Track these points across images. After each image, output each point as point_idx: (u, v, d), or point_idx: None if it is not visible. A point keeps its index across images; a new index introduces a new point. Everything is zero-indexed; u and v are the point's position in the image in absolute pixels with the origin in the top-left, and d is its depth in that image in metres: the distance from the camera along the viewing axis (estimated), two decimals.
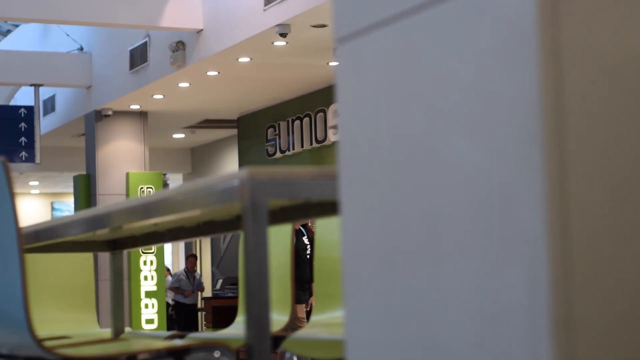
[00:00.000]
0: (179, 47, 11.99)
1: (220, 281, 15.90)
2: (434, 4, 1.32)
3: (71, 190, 16.59)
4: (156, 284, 14.42)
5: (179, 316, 16.60)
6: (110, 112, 14.60)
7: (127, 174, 14.71)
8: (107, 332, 3.73)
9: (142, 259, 14.40)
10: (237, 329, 3.56)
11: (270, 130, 14.44)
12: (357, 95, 1.46)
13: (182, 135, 17.59)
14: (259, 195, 2.04)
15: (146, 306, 14.36)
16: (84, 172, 15.08)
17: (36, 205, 23.94)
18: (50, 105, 16.03)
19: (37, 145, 14.44)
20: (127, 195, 14.63)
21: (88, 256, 4.09)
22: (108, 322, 3.73)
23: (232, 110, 15.19)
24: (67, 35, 14.81)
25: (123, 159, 14.86)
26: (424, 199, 1.34)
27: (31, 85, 14.54)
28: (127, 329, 3.75)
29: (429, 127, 1.33)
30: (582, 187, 1.18)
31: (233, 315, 3.96)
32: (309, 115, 13.61)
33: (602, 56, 1.20)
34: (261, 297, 2.04)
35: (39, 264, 3.96)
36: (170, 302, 16.50)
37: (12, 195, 2.48)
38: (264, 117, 14.72)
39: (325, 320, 3.47)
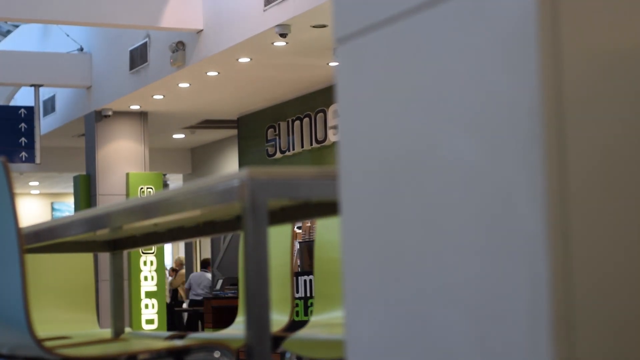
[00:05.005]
0: (179, 48, 12.00)
1: (220, 281, 15.90)
2: (433, 4, 1.32)
3: (71, 190, 16.60)
4: (156, 284, 14.42)
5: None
6: (110, 113, 14.60)
7: (127, 174, 14.71)
8: (107, 332, 3.73)
9: (142, 259, 14.40)
10: (237, 329, 3.56)
11: (270, 130, 14.44)
12: (357, 95, 1.46)
13: (182, 136, 17.60)
14: (259, 195, 2.04)
15: (146, 306, 14.35)
16: (84, 173, 15.08)
17: (36, 205, 23.95)
18: (50, 106, 16.03)
19: (37, 145, 14.44)
20: (127, 195, 14.63)
21: (88, 256, 4.09)
22: (108, 322, 3.73)
23: (232, 110, 15.19)
24: (67, 35, 14.81)
25: (123, 159, 14.86)
26: (424, 198, 1.34)
27: (31, 85, 14.54)
28: (127, 329, 3.75)
29: (429, 127, 1.33)
30: (582, 187, 1.18)
31: (233, 315, 3.96)
32: (309, 116, 13.61)
33: (602, 56, 1.20)
34: (261, 297, 2.04)
35: (39, 264, 3.96)
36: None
37: (12, 195, 2.48)
38: (264, 117, 14.72)
39: (325, 320, 3.47)
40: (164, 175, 17.73)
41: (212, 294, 16.02)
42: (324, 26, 10.38)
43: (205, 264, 17.13)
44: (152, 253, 14.41)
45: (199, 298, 15.79)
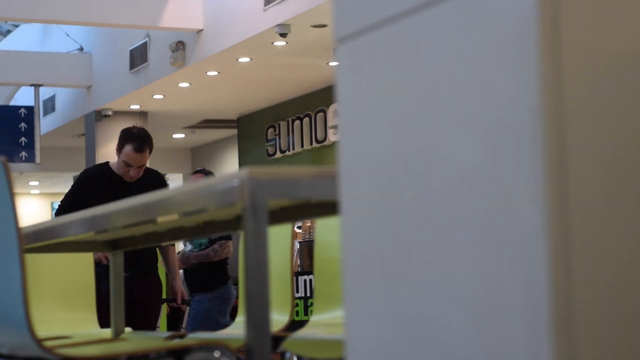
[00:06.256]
0: (179, 47, 12.00)
1: None
2: (434, 4, 1.32)
3: None
4: None
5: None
6: (110, 112, 14.60)
7: None
8: (107, 332, 3.73)
9: None
10: (237, 329, 3.56)
11: (270, 130, 14.44)
12: (357, 95, 1.46)
13: (182, 135, 17.59)
14: (259, 195, 2.04)
15: None
16: None
17: (36, 205, 23.94)
18: (50, 105, 16.03)
19: (37, 145, 14.44)
20: None
21: (88, 256, 4.09)
22: (108, 322, 3.73)
23: (232, 110, 15.19)
24: (67, 35, 14.81)
25: None
26: (424, 198, 1.34)
27: (31, 85, 14.53)
28: (127, 329, 3.75)
29: (429, 126, 1.33)
30: (582, 187, 1.18)
31: (233, 315, 3.96)
32: (309, 115, 13.61)
33: (602, 55, 1.20)
34: (261, 297, 2.03)
35: (39, 264, 3.96)
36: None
37: (12, 195, 2.48)
38: (264, 117, 14.72)
39: (325, 320, 3.47)
40: (164, 175, 17.70)
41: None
42: (324, 26, 10.38)
43: None
44: None
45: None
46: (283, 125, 14.17)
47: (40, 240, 3.10)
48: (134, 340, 3.37)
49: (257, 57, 11.62)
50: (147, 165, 6.17)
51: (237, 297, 7.02)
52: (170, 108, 14.73)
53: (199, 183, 2.24)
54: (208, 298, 7.56)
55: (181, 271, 7.37)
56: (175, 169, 19.42)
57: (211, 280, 7.66)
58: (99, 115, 14.70)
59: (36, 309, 3.20)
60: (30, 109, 14.56)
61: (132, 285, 5.25)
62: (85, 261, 4.08)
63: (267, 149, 14.52)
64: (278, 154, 14.28)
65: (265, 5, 10.39)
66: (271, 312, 2.06)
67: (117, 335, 3.60)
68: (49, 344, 2.57)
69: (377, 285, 1.42)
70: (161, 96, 13.83)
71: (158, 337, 3.41)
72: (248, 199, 2.03)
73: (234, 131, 16.06)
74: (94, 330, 3.92)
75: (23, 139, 14.47)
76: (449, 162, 1.29)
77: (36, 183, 22.48)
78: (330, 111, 13.09)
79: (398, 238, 1.38)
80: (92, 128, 14.83)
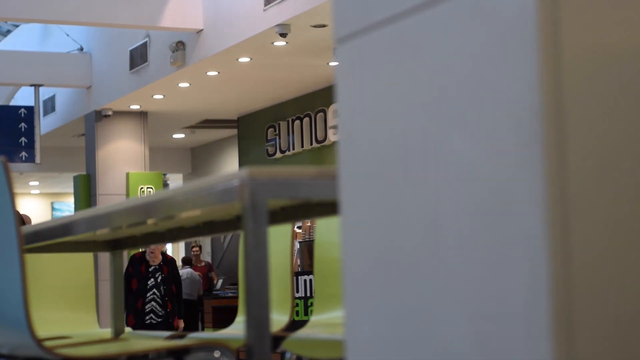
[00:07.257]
0: (179, 47, 12.00)
1: (220, 281, 15.85)
2: (433, 4, 1.32)
3: (71, 190, 16.59)
4: None
5: None
6: (110, 112, 14.60)
7: (127, 174, 14.71)
8: (107, 332, 3.73)
9: None
10: (237, 329, 3.56)
11: (270, 130, 14.45)
12: (357, 95, 1.46)
13: (182, 135, 17.60)
14: (259, 195, 2.04)
15: None
16: (84, 172, 15.08)
17: (36, 205, 23.94)
18: (50, 105, 16.03)
19: (37, 145, 14.45)
20: (127, 195, 14.63)
21: (88, 256, 4.09)
22: (108, 322, 3.73)
23: (232, 110, 15.19)
24: (67, 35, 14.81)
25: (123, 159, 14.86)
26: (424, 198, 1.34)
27: (31, 85, 14.54)
28: (127, 329, 3.75)
29: (429, 126, 1.33)
30: (582, 187, 1.18)
31: (233, 315, 3.96)
32: (309, 115, 13.62)
33: (602, 55, 1.20)
34: (261, 297, 2.03)
35: (39, 264, 3.96)
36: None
37: (12, 195, 2.48)
38: (264, 117, 14.73)
39: (325, 320, 3.47)
40: (164, 175, 17.71)
41: (198, 296, 15.28)
42: (324, 26, 10.38)
43: (187, 262, 16.01)
44: None
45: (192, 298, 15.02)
46: (283, 125, 14.17)
47: (40, 240, 3.10)
48: (134, 340, 3.37)
49: (257, 57, 11.62)
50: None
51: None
52: (170, 108, 14.74)
53: (199, 183, 2.24)
54: None
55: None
56: (175, 169, 19.43)
57: None
58: (99, 115, 14.71)
59: (36, 309, 3.20)
60: (30, 109, 14.57)
61: None
62: (85, 261, 4.08)
63: (267, 149, 14.52)
64: (278, 154, 14.29)
65: (265, 5, 10.40)
66: (271, 312, 2.06)
67: (117, 335, 3.60)
68: (49, 344, 2.57)
69: (377, 285, 1.42)
70: (161, 96, 13.83)
71: (158, 337, 3.41)
72: (248, 199, 2.03)
73: (234, 131, 16.06)
74: (94, 330, 3.92)
75: (23, 139, 14.48)
76: (449, 162, 1.29)
77: (36, 183, 22.49)
78: (330, 111, 13.10)
79: (398, 238, 1.38)
80: (92, 128, 14.84)
